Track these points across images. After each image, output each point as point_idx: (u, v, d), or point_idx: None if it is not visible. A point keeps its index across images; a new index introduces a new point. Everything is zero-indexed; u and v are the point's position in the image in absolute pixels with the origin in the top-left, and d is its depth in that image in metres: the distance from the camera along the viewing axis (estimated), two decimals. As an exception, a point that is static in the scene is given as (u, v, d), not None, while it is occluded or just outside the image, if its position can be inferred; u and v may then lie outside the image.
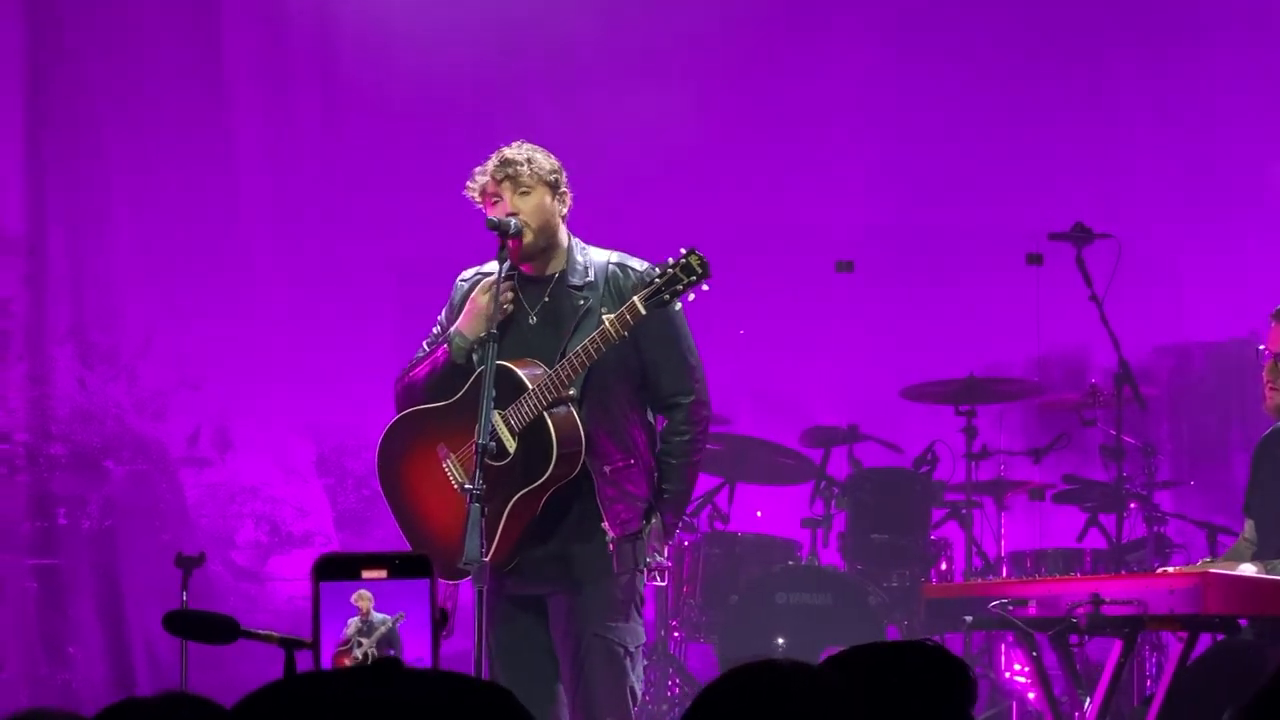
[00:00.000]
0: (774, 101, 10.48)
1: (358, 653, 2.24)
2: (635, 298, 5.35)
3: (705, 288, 5.37)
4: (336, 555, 2.26)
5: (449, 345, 5.65)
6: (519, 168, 5.56)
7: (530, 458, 5.43)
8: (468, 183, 5.67)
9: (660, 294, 5.33)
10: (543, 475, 5.42)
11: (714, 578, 8.72)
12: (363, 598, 2.24)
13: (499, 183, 5.58)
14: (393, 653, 2.22)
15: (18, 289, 9.69)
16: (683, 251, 5.35)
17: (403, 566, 2.23)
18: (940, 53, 10.34)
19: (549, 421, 5.40)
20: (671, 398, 5.64)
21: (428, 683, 1.86)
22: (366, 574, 2.23)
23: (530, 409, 5.41)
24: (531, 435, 5.43)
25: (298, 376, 10.06)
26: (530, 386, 5.42)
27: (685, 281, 5.33)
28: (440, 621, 2.26)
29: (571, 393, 5.45)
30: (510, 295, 5.58)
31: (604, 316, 5.40)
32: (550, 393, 5.40)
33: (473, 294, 5.66)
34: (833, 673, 2.40)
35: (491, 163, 5.62)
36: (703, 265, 5.33)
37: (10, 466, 9.62)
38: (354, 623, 2.24)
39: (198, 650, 5.57)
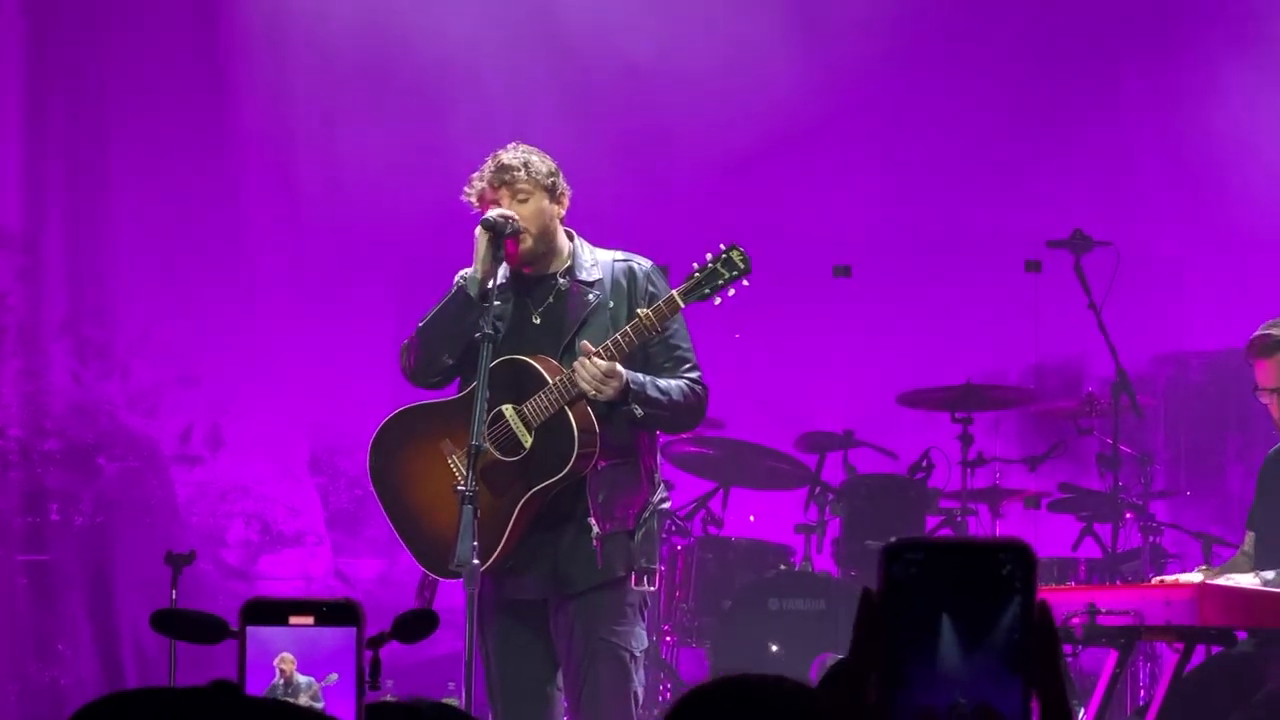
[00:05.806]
0: (772, 106, 10.42)
1: None
2: (674, 291, 5.31)
3: (746, 283, 5.32)
4: (264, 600, 2.20)
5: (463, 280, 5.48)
6: (516, 174, 5.50)
7: (547, 453, 5.37)
8: (465, 188, 5.60)
9: (701, 288, 5.29)
10: (561, 471, 5.35)
11: (707, 582, 8.69)
12: (285, 660, 2.18)
13: (496, 189, 5.52)
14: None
15: (13, 283, 9.66)
16: (722, 247, 5.31)
17: (330, 614, 2.17)
18: (939, 58, 10.31)
19: (571, 417, 5.34)
20: (675, 373, 5.51)
21: (264, 710, 1.82)
22: (294, 620, 2.17)
23: (550, 403, 5.33)
24: (550, 431, 5.36)
25: (291, 375, 10.02)
26: (550, 381, 5.36)
27: (726, 277, 5.30)
28: (363, 676, 2.19)
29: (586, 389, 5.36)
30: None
31: (639, 310, 5.33)
32: (574, 388, 5.32)
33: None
34: (801, 688, 2.33)
35: (488, 168, 5.55)
36: (744, 260, 5.30)
37: (3, 461, 9.59)
38: (276, 686, 2.17)
39: (186, 649, 5.53)
